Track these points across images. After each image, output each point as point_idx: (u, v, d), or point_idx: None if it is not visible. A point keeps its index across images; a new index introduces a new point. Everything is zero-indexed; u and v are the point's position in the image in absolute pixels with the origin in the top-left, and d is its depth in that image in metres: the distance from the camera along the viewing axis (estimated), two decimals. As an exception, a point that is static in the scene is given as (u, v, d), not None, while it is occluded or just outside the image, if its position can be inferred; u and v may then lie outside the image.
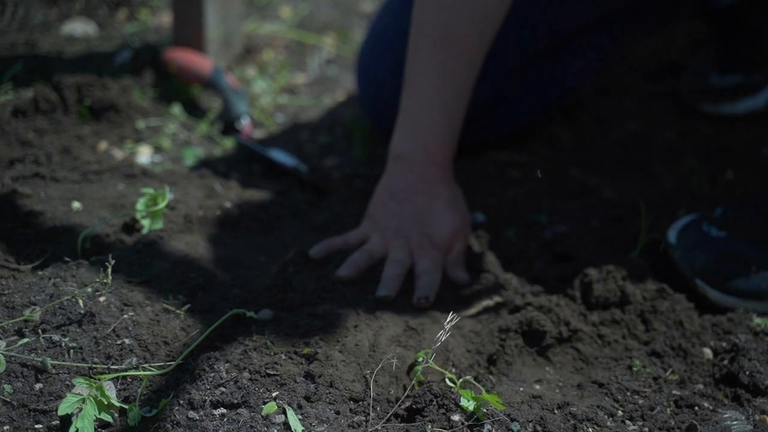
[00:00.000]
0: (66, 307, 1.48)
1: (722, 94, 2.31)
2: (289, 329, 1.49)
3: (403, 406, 1.41)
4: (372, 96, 2.13)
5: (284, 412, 1.35)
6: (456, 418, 1.36)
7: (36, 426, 1.34)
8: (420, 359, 1.49)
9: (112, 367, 1.42)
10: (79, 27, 2.58)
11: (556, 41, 2.08)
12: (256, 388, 1.37)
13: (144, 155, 2.09)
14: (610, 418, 1.44)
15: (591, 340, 1.60)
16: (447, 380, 1.47)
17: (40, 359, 1.39)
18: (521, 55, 2.07)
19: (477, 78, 1.81)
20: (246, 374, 1.39)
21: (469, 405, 1.37)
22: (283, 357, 1.44)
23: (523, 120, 2.19)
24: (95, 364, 1.41)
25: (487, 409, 1.37)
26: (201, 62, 2.29)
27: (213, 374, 1.39)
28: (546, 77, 2.13)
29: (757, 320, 1.67)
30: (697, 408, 1.50)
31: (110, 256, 1.55)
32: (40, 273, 1.59)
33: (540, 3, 2.02)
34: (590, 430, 1.39)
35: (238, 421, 1.33)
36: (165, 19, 2.63)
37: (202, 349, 1.45)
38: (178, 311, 1.53)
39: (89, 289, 1.51)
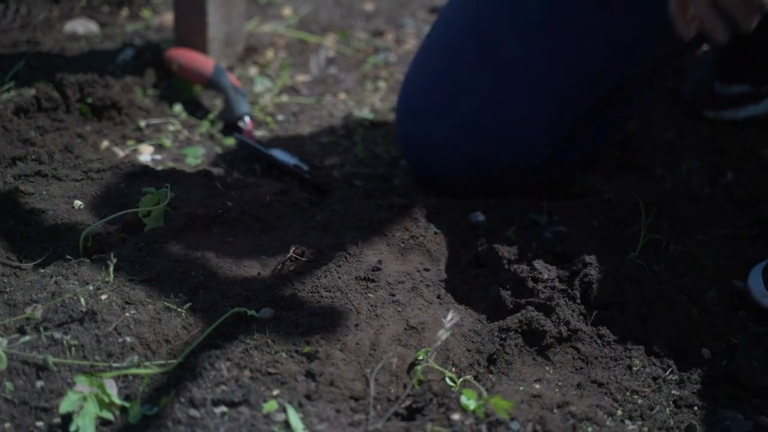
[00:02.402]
0: (67, 305, 1.48)
1: (726, 101, 2.31)
2: (290, 328, 1.49)
3: (403, 405, 1.41)
4: (416, 157, 2.07)
5: (285, 411, 1.35)
6: (456, 417, 1.36)
7: (37, 423, 1.35)
8: (420, 358, 1.49)
9: (114, 365, 1.42)
10: (82, 26, 2.58)
11: (619, 86, 2.04)
12: (257, 387, 1.38)
13: (145, 154, 2.10)
14: (610, 418, 1.44)
15: (590, 340, 1.60)
16: (447, 379, 1.48)
17: (41, 357, 1.40)
18: (589, 106, 2.03)
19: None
20: (247, 372, 1.40)
21: (470, 404, 1.38)
22: (284, 355, 1.44)
23: (579, 162, 2.12)
24: (96, 362, 1.42)
25: (487, 409, 1.37)
26: (203, 61, 2.29)
27: (214, 372, 1.39)
28: (606, 120, 2.09)
29: None
30: (696, 408, 1.50)
31: (112, 254, 1.55)
32: (41, 271, 1.59)
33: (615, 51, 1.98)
34: (589, 429, 1.39)
35: (239, 420, 1.34)
36: (167, 18, 2.63)
37: (204, 347, 1.45)
38: (179, 309, 1.53)
39: (91, 287, 1.52)
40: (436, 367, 1.48)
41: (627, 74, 1.99)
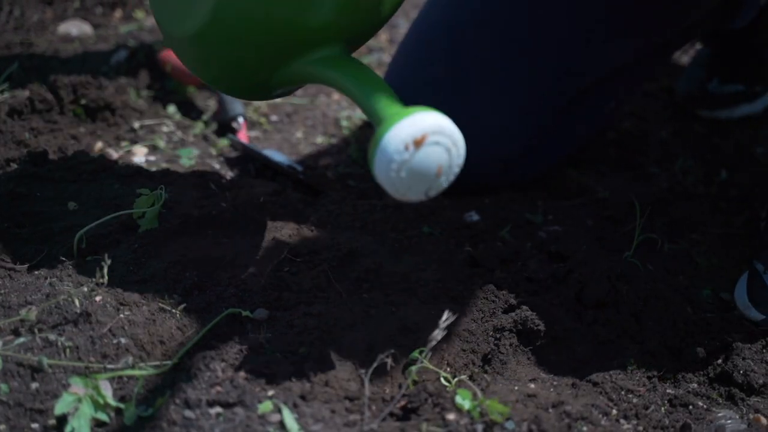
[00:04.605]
0: (62, 307, 1.48)
1: (720, 101, 2.31)
2: (285, 328, 1.50)
3: (398, 405, 1.41)
4: None
5: (280, 411, 1.35)
6: (451, 417, 1.37)
7: (32, 425, 1.35)
8: (415, 358, 1.49)
9: (108, 366, 1.42)
10: (75, 27, 2.58)
11: (591, 84, 2.03)
12: (252, 387, 1.38)
13: (139, 155, 2.09)
14: (605, 417, 1.44)
15: (585, 340, 1.60)
16: (442, 379, 1.48)
17: (36, 359, 1.40)
18: (561, 102, 2.02)
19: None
20: (242, 373, 1.40)
21: (465, 404, 1.38)
22: (279, 356, 1.44)
23: (555, 161, 2.11)
24: (91, 363, 1.42)
25: (482, 409, 1.37)
26: (196, 62, 2.29)
27: (209, 373, 1.39)
28: (580, 119, 2.07)
29: None
30: (691, 407, 1.50)
31: (106, 255, 1.55)
32: (36, 273, 1.59)
33: (579, 47, 1.97)
34: (584, 428, 1.40)
35: (234, 420, 1.34)
36: (160, 19, 2.63)
37: (198, 348, 1.45)
38: (174, 311, 1.53)
39: (85, 289, 1.52)
40: (431, 367, 1.48)
41: (597, 71, 1.99)
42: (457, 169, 1.39)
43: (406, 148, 1.32)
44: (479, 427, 1.36)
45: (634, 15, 1.94)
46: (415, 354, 1.49)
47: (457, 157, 1.37)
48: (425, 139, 1.33)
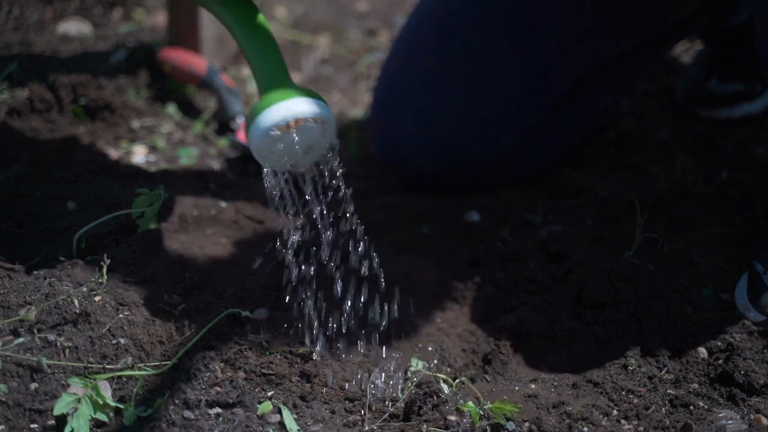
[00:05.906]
0: (61, 307, 1.47)
1: (720, 100, 2.31)
2: (285, 328, 1.49)
3: (398, 406, 1.41)
4: (391, 150, 2.07)
5: (279, 412, 1.35)
6: (452, 417, 1.36)
7: (32, 426, 1.34)
8: (415, 359, 1.49)
9: (108, 366, 1.42)
10: (74, 27, 2.58)
11: (583, 78, 2.03)
12: (252, 388, 1.38)
13: (139, 155, 2.09)
14: (605, 418, 1.44)
15: (586, 340, 1.60)
16: (442, 380, 1.48)
17: (35, 359, 1.39)
18: (553, 96, 2.02)
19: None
20: (241, 374, 1.39)
21: (465, 404, 1.37)
22: (279, 356, 1.44)
23: (551, 159, 2.10)
24: (90, 363, 1.41)
25: (483, 410, 1.37)
26: (196, 62, 2.29)
27: (208, 374, 1.39)
28: (574, 115, 2.07)
29: None
30: (692, 407, 1.50)
31: (105, 255, 1.55)
32: (35, 273, 1.58)
33: (571, 40, 1.97)
34: (585, 429, 1.39)
35: (234, 421, 1.33)
36: (160, 18, 2.63)
37: (198, 348, 1.45)
38: (173, 311, 1.52)
39: (84, 289, 1.51)
40: (430, 373, 1.48)
41: (587, 65, 1.99)
42: (325, 149, 1.45)
43: (279, 129, 1.38)
44: (480, 427, 1.35)
45: (621, 8, 1.94)
46: (416, 355, 1.49)
47: (325, 139, 1.43)
48: (298, 124, 1.39)
